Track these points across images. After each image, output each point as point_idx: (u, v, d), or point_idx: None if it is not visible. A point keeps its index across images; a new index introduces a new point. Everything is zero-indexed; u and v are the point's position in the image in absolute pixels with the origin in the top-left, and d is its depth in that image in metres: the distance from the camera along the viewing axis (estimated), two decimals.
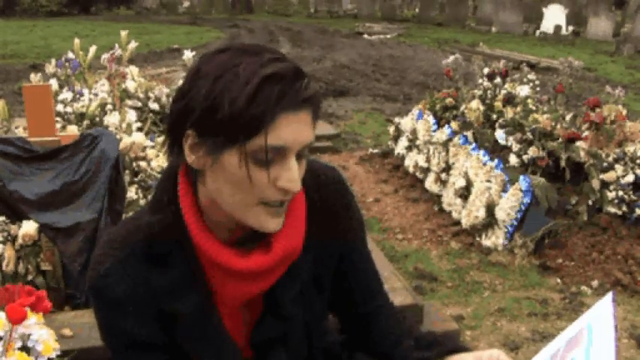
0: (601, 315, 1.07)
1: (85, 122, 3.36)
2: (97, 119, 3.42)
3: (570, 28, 19.20)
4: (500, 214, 4.28)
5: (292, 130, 1.06)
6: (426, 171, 5.41)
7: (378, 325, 1.40)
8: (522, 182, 4.25)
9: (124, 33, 4.12)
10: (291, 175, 1.08)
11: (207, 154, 1.08)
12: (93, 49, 3.97)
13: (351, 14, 26.54)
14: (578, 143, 4.56)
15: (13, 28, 18.09)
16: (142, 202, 3.19)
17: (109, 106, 3.54)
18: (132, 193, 3.24)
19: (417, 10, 27.25)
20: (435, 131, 5.55)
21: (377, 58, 13.60)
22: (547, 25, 19.07)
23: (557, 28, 18.38)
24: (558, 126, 4.75)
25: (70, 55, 4.04)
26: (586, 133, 4.61)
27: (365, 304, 1.40)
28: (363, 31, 19.94)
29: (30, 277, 2.78)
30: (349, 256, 1.36)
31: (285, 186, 1.09)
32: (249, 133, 1.03)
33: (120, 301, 1.18)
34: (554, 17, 19.06)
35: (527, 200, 4.23)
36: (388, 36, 19.12)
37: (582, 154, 4.49)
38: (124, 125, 3.31)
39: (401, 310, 1.49)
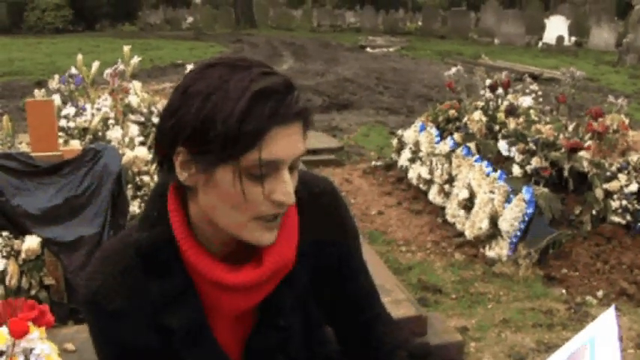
0: (604, 328, 1.06)
1: (88, 137, 3.38)
2: (100, 134, 3.44)
3: (573, 38, 19.25)
4: (503, 225, 4.27)
5: (285, 143, 1.06)
6: (430, 183, 5.40)
7: (372, 334, 1.40)
8: (525, 193, 4.24)
9: (126, 48, 4.14)
10: (286, 188, 1.09)
11: (200, 172, 1.08)
12: (96, 65, 3.99)
13: (354, 28, 26.70)
14: (581, 153, 4.55)
15: (19, 45, 18.23)
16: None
17: (112, 121, 3.55)
18: (134, 207, 3.25)
19: (419, 23, 27.40)
20: (437, 143, 5.55)
21: (380, 71, 13.64)
22: (549, 36, 19.11)
23: (560, 39, 18.41)
24: (561, 136, 4.75)
25: (74, 70, 4.06)
26: (589, 143, 4.60)
27: (360, 314, 1.39)
28: (366, 44, 20.03)
29: (33, 292, 2.78)
30: (344, 265, 1.36)
31: (280, 199, 1.09)
32: (243, 149, 1.03)
33: (112, 317, 1.18)
34: (556, 28, 19.11)
35: (530, 211, 4.22)
36: (391, 49, 19.20)
37: (585, 163, 4.48)
38: (126, 140, 3.33)
39: (403, 322, 1.48)
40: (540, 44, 19.25)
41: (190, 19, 29.44)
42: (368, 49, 19.18)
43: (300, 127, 1.10)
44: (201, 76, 1.08)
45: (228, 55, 1.46)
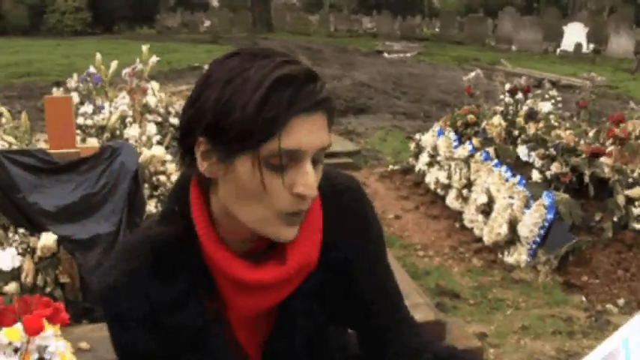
0: (638, 330, 1.01)
1: (105, 135, 3.36)
2: (118, 132, 3.42)
3: (591, 46, 19.10)
4: (523, 230, 4.21)
5: (306, 133, 1.02)
6: (447, 187, 5.35)
7: (396, 338, 1.35)
8: (545, 198, 4.18)
9: (145, 47, 4.13)
10: (307, 179, 1.04)
11: (220, 162, 1.04)
12: (114, 64, 3.99)
13: (371, 33, 26.65)
14: (602, 159, 4.49)
15: (38, 46, 18.36)
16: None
17: (130, 119, 3.54)
18: (151, 206, 3.23)
19: (436, 29, 27.33)
20: (456, 147, 5.50)
21: (397, 76, 13.59)
22: (567, 44, 18.99)
23: (578, 46, 18.28)
24: (581, 141, 4.69)
25: (92, 69, 4.06)
26: (610, 149, 4.53)
27: (383, 317, 1.33)
28: (383, 49, 19.99)
29: (48, 290, 2.76)
30: (367, 267, 1.30)
31: (301, 192, 1.04)
32: (262, 137, 1.00)
33: (126, 313, 1.16)
34: (574, 35, 19.00)
35: (550, 216, 4.16)
36: (408, 54, 19.14)
37: (607, 169, 4.41)
38: (143, 138, 3.31)
39: (421, 325, 1.43)
40: (558, 51, 19.12)
41: (208, 23, 29.51)
42: (385, 54, 19.12)
43: (323, 118, 1.06)
44: (223, 65, 1.05)
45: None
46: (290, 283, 1.17)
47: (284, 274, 1.14)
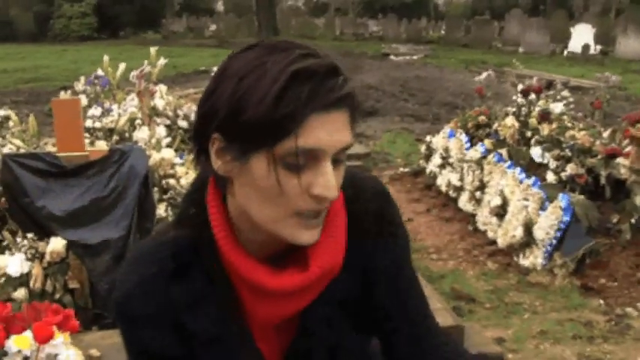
0: None
1: (114, 137, 3.30)
2: (127, 135, 3.36)
3: (598, 47, 18.98)
4: (538, 233, 4.13)
5: (326, 131, 0.95)
6: (459, 190, 5.28)
7: (423, 347, 1.28)
8: (562, 200, 4.10)
9: (153, 50, 4.07)
10: (326, 180, 0.97)
11: (234, 160, 0.98)
12: (122, 67, 3.93)
13: (377, 36, 26.62)
14: (619, 160, 4.41)
15: (45, 52, 18.41)
16: (171, 220, 3.12)
17: (139, 121, 3.48)
18: (161, 210, 3.17)
19: (442, 31, 27.25)
20: (467, 149, 5.42)
21: (404, 78, 13.52)
22: (575, 45, 18.87)
23: (585, 47, 18.17)
24: (597, 142, 4.61)
25: (100, 72, 4.00)
26: (627, 149, 4.45)
27: (410, 326, 1.27)
28: (390, 52, 19.93)
29: (57, 296, 2.70)
30: (393, 273, 1.23)
31: (320, 193, 0.97)
32: (278, 135, 0.93)
33: (144, 321, 1.10)
34: (581, 37, 18.87)
35: (567, 219, 4.08)
36: (414, 57, 19.08)
37: (623, 170, 4.33)
38: (153, 141, 3.25)
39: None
40: (566, 53, 19.01)
41: (213, 28, 29.55)
42: (391, 57, 19.07)
43: (345, 116, 0.99)
44: (239, 58, 0.99)
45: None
46: (312, 290, 1.10)
47: (306, 280, 1.07)
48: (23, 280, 2.71)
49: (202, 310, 1.10)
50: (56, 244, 2.65)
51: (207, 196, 1.09)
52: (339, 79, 0.97)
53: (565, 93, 5.86)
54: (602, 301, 3.77)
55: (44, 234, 2.72)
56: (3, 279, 2.71)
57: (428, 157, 6.15)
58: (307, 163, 0.96)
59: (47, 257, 2.67)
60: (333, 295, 1.13)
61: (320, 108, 0.94)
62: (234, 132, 0.96)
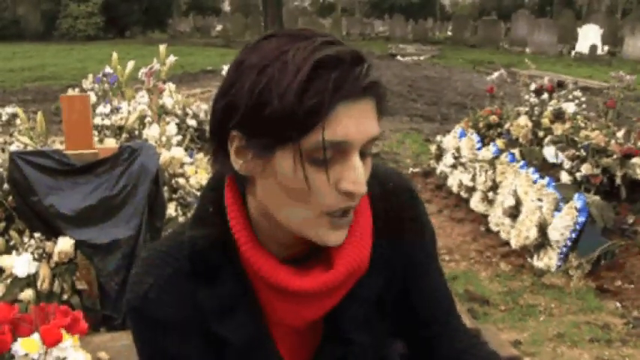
0: None
1: (124, 135, 3.25)
2: (136, 132, 3.31)
3: (606, 48, 18.88)
4: (553, 234, 4.06)
5: (353, 122, 0.89)
6: (471, 190, 5.21)
7: (451, 348, 1.22)
8: (577, 200, 4.03)
9: (162, 47, 4.01)
10: (356, 174, 0.91)
11: (257, 158, 0.92)
12: (131, 64, 3.87)
13: (383, 36, 26.58)
14: (635, 159, 4.34)
15: (52, 51, 18.42)
16: (181, 219, 3.06)
17: (149, 119, 3.42)
18: (170, 210, 3.11)
19: (449, 32, 27.21)
20: (479, 149, 5.35)
21: (412, 79, 13.46)
22: (582, 46, 18.77)
23: (593, 48, 18.06)
24: (612, 142, 4.53)
25: (108, 69, 3.95)
26: None
27: (437, 325, 1.22)
28: (397, 52, 19.89)
29: (65, 297, 2.64)
30: (420, 272, 1.18)
31: (349, 188, 0.91)
32: (304, 128, 0.87)
33: (162, 325, 1.05)
34: (589, 37, 18.77)
35: (582, 219, 4.00)
36: (422, 57, 19.02)
37: (639, 170, 4.26)
38: (163, 139, 3.19)
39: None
40: (573, 53, 18.91)
41: (219, 27, 29.54)
42: (398, 58, 19.01)
43: (372, 105, 0.92)
44: (257, 49, 0.92)
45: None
46: (338, 291, 1.04)
47: (332, 280, 1.01)
48: (30, 280, 2.65)
49: (229, 314, 1.04)
50: (64, 244, 2.60)
51: (224, 195, 1.03)
52: (364, 67, 0.90)
53: (577, 93, 5.78)
54: (618, 304, 3.70)
55: (52, 233, 2.66)
56: (10, 280, 2.65)
57: (438, 158, 6.08)
58: (335, 156, 0.90)
59: (55, 257, 2.61)
60: (360, 294, 1.08)
61: (347, 98, 0.88)
62: (257, 127, 0.89)
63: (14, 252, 2.68)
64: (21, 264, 2.61)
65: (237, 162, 0.94)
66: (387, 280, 1.13)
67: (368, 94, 0.91)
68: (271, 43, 0.92)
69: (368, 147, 0.94)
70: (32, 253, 2.65)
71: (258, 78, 0.88)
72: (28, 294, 2.61)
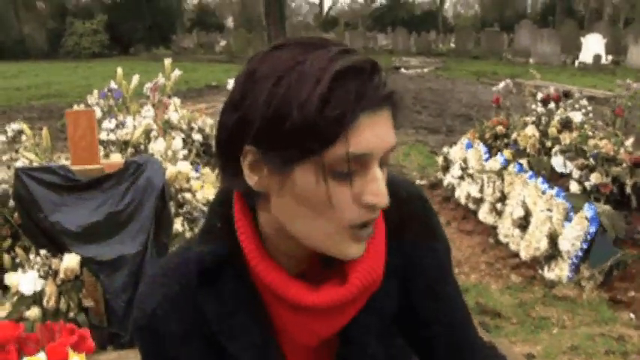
0: None
1: (129, 150, 3.22)
2: (142, 147, 3.28)
3: (609, 57, 18.87)
4: (564, 244, 4.01)
5: (375, 133, 0.86)
6: (479, 201, 5.16)
7: (470, 357, 1.18)
8: (588, 210, 3.98)
9: (167, 61, 4.00)
10: (378, 187, 0.88)
11: (274, 173, 0.88)
12: (136, 78, 3.86)
13: (387, 50, 26.64)
14: None
15: (57, 69, 18.52)
16: (188, 234, 3.03)
17: (154, 133, 3.40)
18: (177, 225, 3.08)
19: (452, 44, 27.25)
20: (486, 160, 5.32)
21: (416, 91, 13.46)
22: (586, 55, 18.76)
23: (597, 57, 18.05)
24: (621, 150, 4.49)
25: (113, 85, 3.94)
26: None
27: (454, 338, 1.18)
28: (400, 65, 19.92)
29: (71, 314, 2.61)
30: (435, 284, 1.14)
31: (373, 201, 0.88)
32: (327, 141, 0.83)
33: (170, 343, 1.01)
34: (592, 47, 18.77)
35: (593, 229, 3.95)
36: (425, 70, 19.04)
37: None
38: (169, 153, 3.16)
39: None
40: (577, 63, 18.90)
41: (223, 43, 29.66)
42: (402, 70, 19.04)
43: (389, 114, 0.90)
44: (268, 59, 0.88)
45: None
46: (354, 305, 1.01)
47: (347, 294, 0.98)
48: (36, 298, 2.62)
49: (239, 330, 1.01)
50: (70, 261, 2.57)
51: (233, 209, 1.00)
52: (382, 76, 0.88)
53: (584, 102, 5.75)
54: (632, 315, 3.64)
55: (58, 250, 2.63)
56: (15, 297, 2.62)
57: (445, 169, 6.05)
58: (356, 169, 0.87)
59: (61, 274, 2.58)
60: (374, 310, 1.04)
61: (368, 108, 0.85)
62: (274, 141, 0.85)
63: (20, 269, 2.65)
64: (27, 281, 2.58)
65: (252, 178, 0.91)
66: (402, 292, 1.09)
67: (386, 103, 0.88)
68: (284, 52, 0.88)
69: (386, 158, 0.91)
70: (38, 270, 2.62)
71: (275, 89, 0.84)
72: (34, 312, 2.58)
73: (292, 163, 0.86)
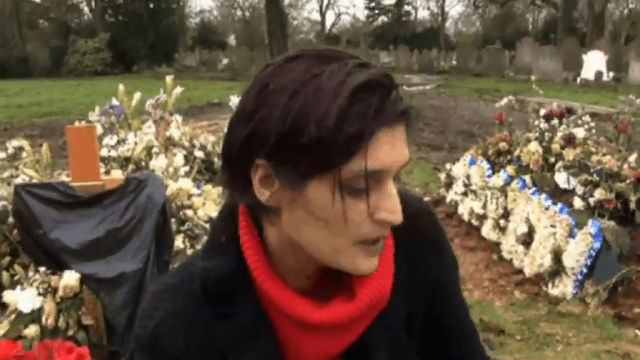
0: None
1: (130, 166, 3.21)
2: (143, 163, 3.27)
3: (611, 74, 18.92)
4: (568, 260, 3.98)
5: (391, 149, 0.85)
6: (482, 218, 5.14)
7: None
8: (592, 226, 3.95)
9: (169, 78, 4.00)
10: (392, 203, 0.87)
11: (286, 188, 0.87)
12: (137, 95, 3.86)
13: (389, 67, 26.69)
14: None
15: (60, 87, 18.60)
16: (190, 252, 3.01)
17: (155, 149, 3.39)
18: (178, 242, 3.06)
19: (453, 61, 27.36)
20: (489, 176, 5.30)
21: (419, 108, 13.46)
22: (587, 72, 18.81)
23: (598, 74, 18.09)
24: (625, 166, 4.47)
25: (115, 102, 3.94)
26: None
27: (458, 349, 1.16)
28: (402, 82, 19.97)
29: (71, 332, 2.58)
30: (443, 297, 1.13)
31: (388, 218, 0.87)
32: (344, 157, 0.82)
33: (173, 357, 0.99)
34: (594, 64, 18.82)
35: (597, 245, 3.92)
36: (427, 87, 19.10)
37: None
38: (170, 170, 3.15)
39: None
40: (579, 80, 18.94)
41: (225, 61, 29.79)
42: (404, 87, 19.09)
43: (403, 130, 0.88)
44: (282, 71, 0.86)
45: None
46: (362, 322, 0.99)
47: (355, 311, 0.96)
48: (35, 316, 2.59)
49: (246, 347, 0.99)
50: (70, 278, 2.54)
51: (238, 224, 0.98)
52: (399, 91, 0.86)
53: (586, 118, 5.74)
54: (638, 332, 3.61)
55: (57, 267, 2.61)
56: (13, 315, 2.60)
57: (448, 186, 6.03)
58: (371, 185, 0.85)
59: (60, 292, 2.56)
60: (381, 326, 1.02)
61: (386, 123, 0.83)
62: (289, 156, 0.83)
63: (19, 287, 2.63)
64: (25, 299, 2.56)
65: (263, 193, 0.88)
66: (410, 307, 1.08)
67: (402, 119, 0.87)
68: (298, 64, 0.86)
69: (398, 173, 0.90)
70: (37, 287, 2.60)
71: (291, 103, 0.82)
72: (32, 330, 2.55)
73: (306, 178, 0.84)
